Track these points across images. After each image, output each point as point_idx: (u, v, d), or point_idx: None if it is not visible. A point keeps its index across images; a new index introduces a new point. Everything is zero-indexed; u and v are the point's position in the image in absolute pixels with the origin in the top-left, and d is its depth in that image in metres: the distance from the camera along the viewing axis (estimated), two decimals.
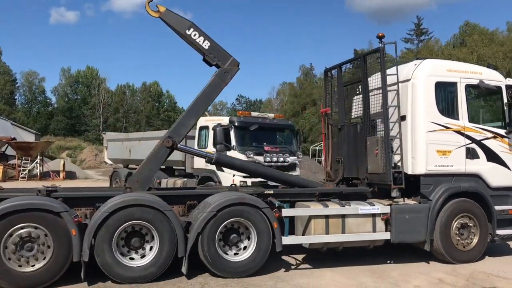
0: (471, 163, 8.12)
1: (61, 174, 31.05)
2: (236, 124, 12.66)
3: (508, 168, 8.34)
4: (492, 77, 8.56)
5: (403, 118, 7.97)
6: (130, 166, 17.89)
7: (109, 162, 20.61)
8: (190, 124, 8.12)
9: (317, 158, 55.58)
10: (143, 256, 6.59)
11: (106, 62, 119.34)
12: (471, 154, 8.15)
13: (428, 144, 7.89)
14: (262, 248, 7.03)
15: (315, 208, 7.46)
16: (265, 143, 13.21)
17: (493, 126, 8.52)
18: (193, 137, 13.43)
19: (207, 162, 8.57)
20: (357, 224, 7.53)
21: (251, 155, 12.50)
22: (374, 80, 8.33)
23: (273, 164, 13.02)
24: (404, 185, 7.70)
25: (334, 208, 7.50)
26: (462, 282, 6.61)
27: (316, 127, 77.68)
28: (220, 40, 8.10)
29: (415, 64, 8.27)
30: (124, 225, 6.46)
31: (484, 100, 9.19)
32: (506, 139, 8.42)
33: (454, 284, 6.51)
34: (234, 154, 12.52)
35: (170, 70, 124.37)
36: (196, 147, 13.17)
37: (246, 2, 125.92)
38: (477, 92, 8.61)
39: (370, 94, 8.36)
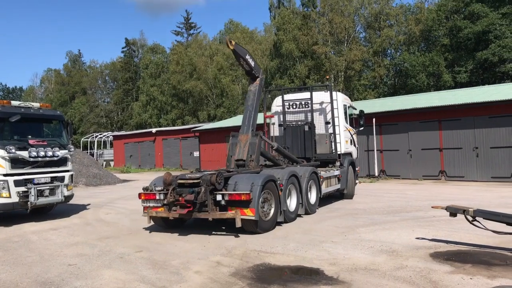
0: (350, 147, 15.15)
1: None
2: None
3: (356, 149, 16.09)
4: (350, 102, 15.87)
5: (328, 123, 14.07)
6: None
7: None
8: (257, 119, 11.98)
9: (89, 151, 52.87)
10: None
11: None
12: (350, 142, 15.13)
13: (344, 137, 14.29)
14: (318, 194, 12.10)
15: (327, 172, 13.15)
16: (29, 136, 11.90)
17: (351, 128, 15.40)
18: None
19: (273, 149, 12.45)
20: (332, 181, 13.53)
21: (13, 150, 11.10)
22: (315, 100, 14.20)
23: (40, 159, 11.84)
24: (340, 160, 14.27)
25: (329, 172, 13.35)
26: (237, 262, 7.08)
27: (87, 118, 73.96)
28: None
29: (327, 92, 14.09)
30: (289, 185, 10.60)
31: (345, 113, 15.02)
32: (355, 135, 15.88)
33: (231, 265, 6.91)
34: None
35: None
36: None
37: None
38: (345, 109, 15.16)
39: (313, 108, 14.14)
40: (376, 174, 23.10)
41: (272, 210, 9.59)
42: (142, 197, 9.78)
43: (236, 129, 31.54)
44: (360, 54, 44.28)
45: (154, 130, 43.99)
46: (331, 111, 13.84)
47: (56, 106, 70.66)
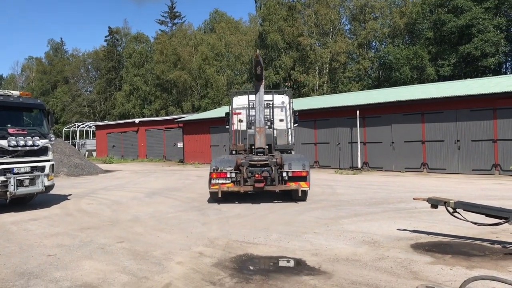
0: (290, 140, 15.59)
1: None
2: None
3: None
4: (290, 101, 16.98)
5: (281, 120, 15.72)
6: None
7: None
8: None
9: (71, 140, 52.24)
10: None
11: None
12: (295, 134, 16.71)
13: (294, 132, 15.95)
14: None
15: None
16: (9, 125, 11.67)
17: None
18: None
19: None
20: None
21: None
22: (275, 101, 15.78)
23: (20, 148, 11.62)
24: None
25: None
26: (220, 253, 7.06)
27: (69, 107, 72.97)
28: None
29: (286, 96, 16.14)
30: None
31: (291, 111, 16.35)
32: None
33: (213, 256, 6.89)
34: None
35: None
36: None
37: None
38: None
39: (274, 109, 15.55)
40: (359, 166, 23.25)
41: None
42: (214, 176, 11.95)
43: (220, 120, 31.61)
44: (345, 46, 44.38)
45: (137, 120, 43.59)
46: (289, 111, 16.28)
47: (37, 95, 69.58)
